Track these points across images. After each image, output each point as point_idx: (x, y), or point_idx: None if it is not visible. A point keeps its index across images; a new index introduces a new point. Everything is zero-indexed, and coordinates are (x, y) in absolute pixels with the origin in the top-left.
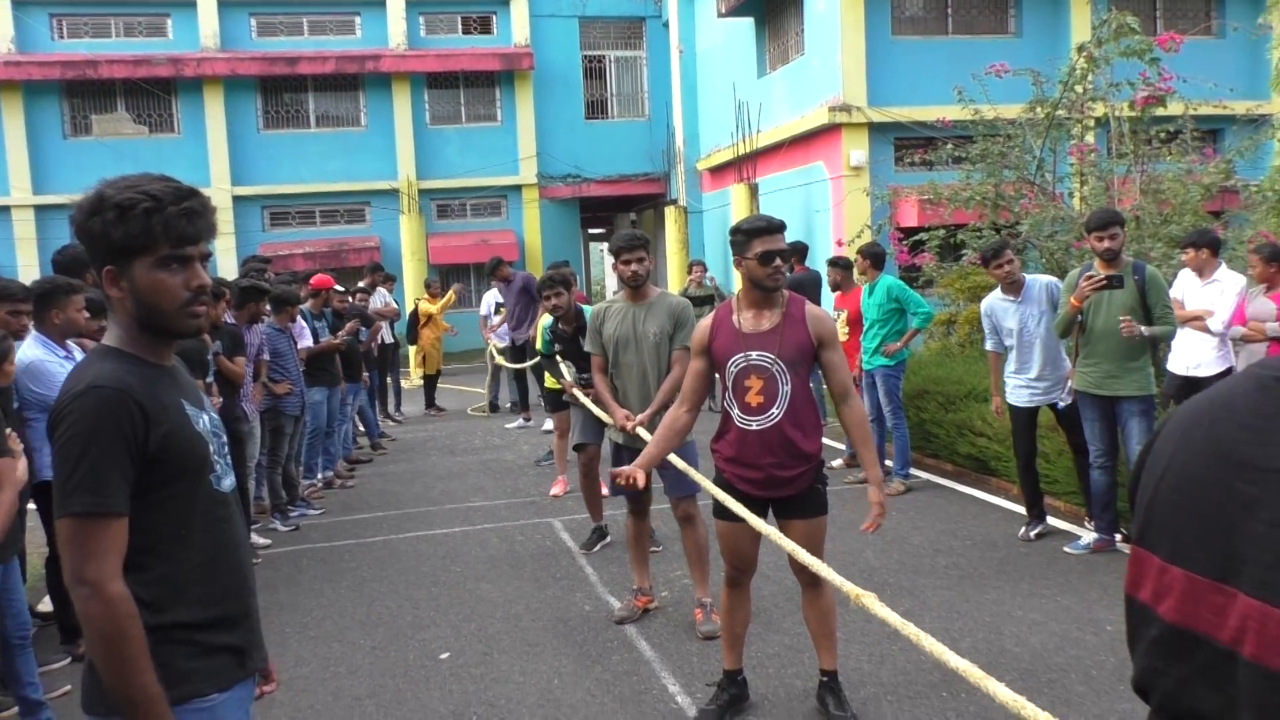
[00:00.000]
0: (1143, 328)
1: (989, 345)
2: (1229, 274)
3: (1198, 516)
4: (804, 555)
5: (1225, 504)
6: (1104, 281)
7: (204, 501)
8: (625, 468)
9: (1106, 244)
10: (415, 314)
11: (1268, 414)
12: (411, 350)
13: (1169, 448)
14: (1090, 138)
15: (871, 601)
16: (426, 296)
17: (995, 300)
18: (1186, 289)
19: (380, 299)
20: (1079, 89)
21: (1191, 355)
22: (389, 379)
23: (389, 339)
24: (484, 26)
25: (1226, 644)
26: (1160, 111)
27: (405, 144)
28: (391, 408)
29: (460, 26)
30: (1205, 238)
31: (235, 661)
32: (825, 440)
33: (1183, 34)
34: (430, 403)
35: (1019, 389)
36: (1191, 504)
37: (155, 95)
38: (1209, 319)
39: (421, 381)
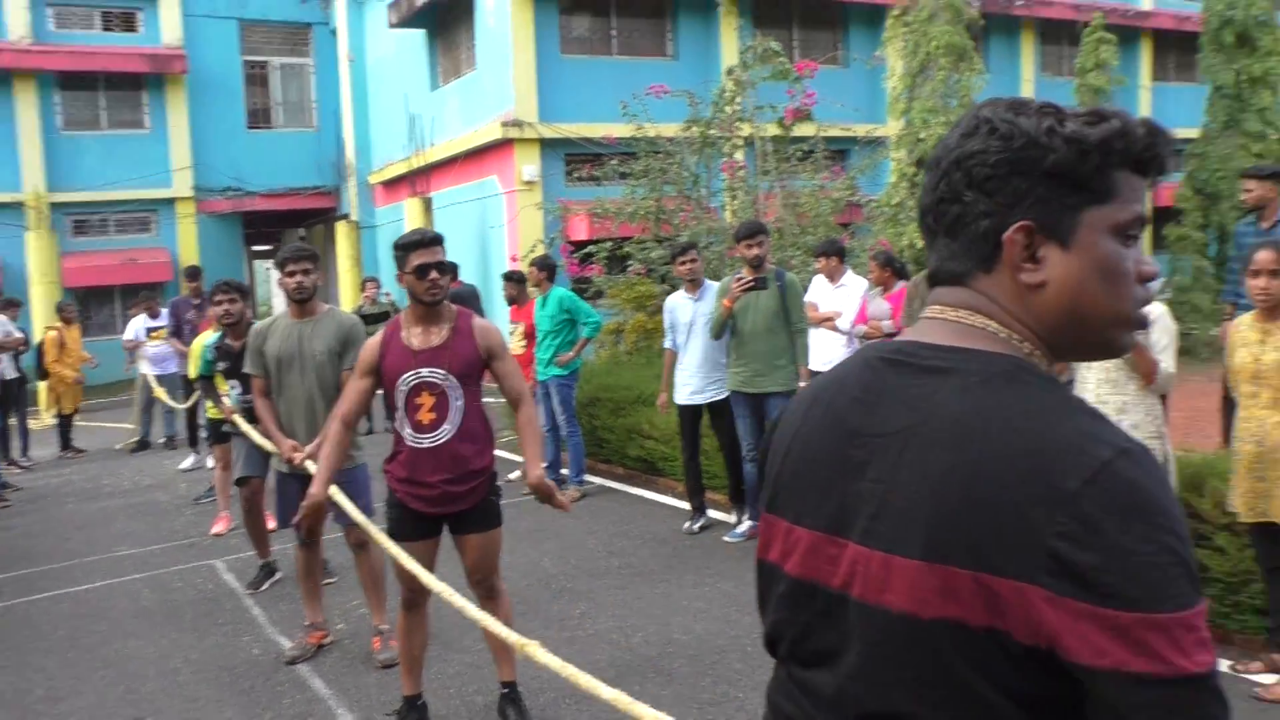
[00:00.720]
0: (801, 383)
1: (666, 343)
2: (854, 279)
3: (818, 481)
4: (475, 613)
5: (840, 467)
6: (751, 283)
7: None
8: (308, 513)
9: (754, 251)
10: (43, 345)
11: (873, 389)
12: (41, 386)
13: (794, 424)
14: (740, 155)
15: (534, 650)
16: (59, 323)
17: (676, 297)
18: (819, 293)
19: None
20: (728, 110)
21: (825, 352)
22: (13, 419)
23: (13, 373)
24: (127, 23)
25: (839, 588)
26: (798, 132)
27: (31, 151)
28: (16, 452)
29: (99, 22)
30: (833, 247)
31: None
32: (501, 453)
33: (816, 63)
34: (66, 444)
35: (682, 387)
36: (812, 471)
37: None
38: (838, 319)
39: (55, 421)
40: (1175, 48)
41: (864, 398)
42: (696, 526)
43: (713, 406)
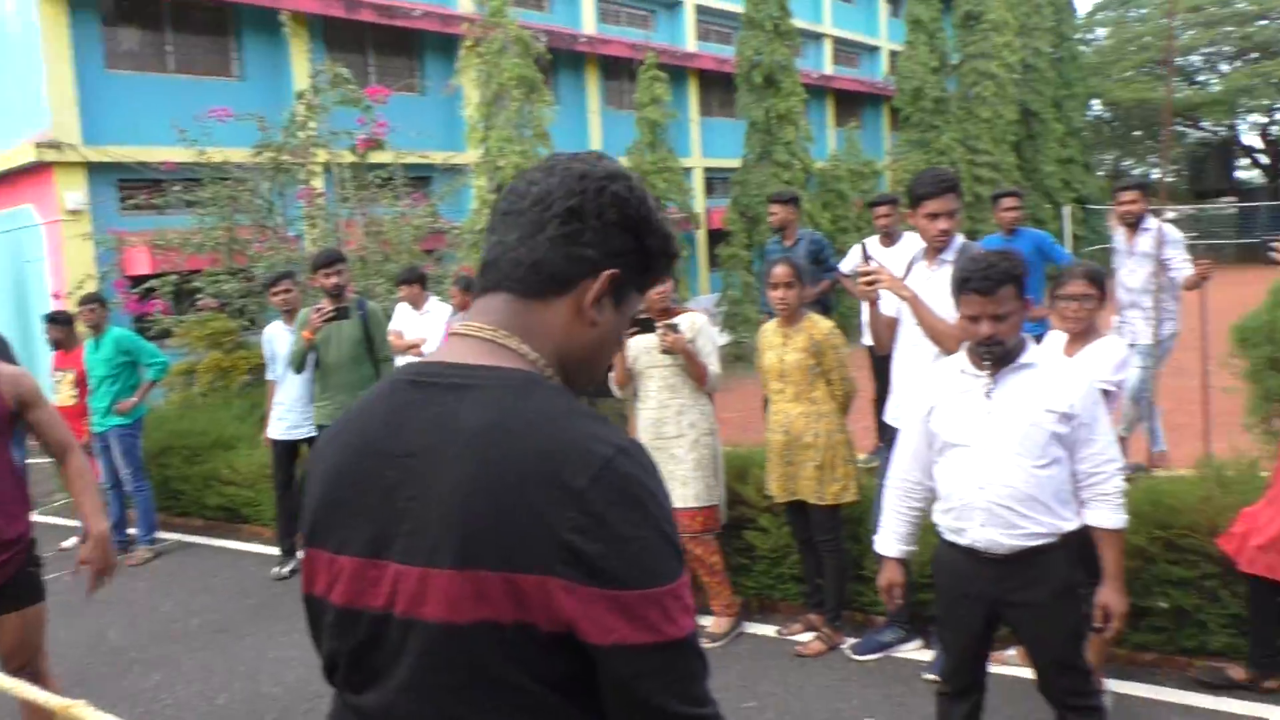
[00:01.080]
0: None
1: (268, 375)
2: (438, 305)
3: (355, 508)
4: (7, 681)
5: (375, 492)
6: (332, 313)
7: None
8: None
9: (333, 280)
10: None
11: (399, 409)
12: None
13: (329, 453)
14: (318, 183)
15: (81, 709)
16: None
17: (274, 328)
18: (404, 320)
19: None
20: (302, 135)
21: None
22: None
23: None
24: None
25: (382, 609)
26: (376, 158)
27: None
28: None
29: None
30: (415, 274)
31: None
32: (48, 519)
33: (391, 89)
34: None
35: (278, 421)
36: (349, 498)
37: None
38: (423, 346)
39: None
40: (718, 86)
41: (392, 420)
42: (287, 570)
43: (310, 442)
